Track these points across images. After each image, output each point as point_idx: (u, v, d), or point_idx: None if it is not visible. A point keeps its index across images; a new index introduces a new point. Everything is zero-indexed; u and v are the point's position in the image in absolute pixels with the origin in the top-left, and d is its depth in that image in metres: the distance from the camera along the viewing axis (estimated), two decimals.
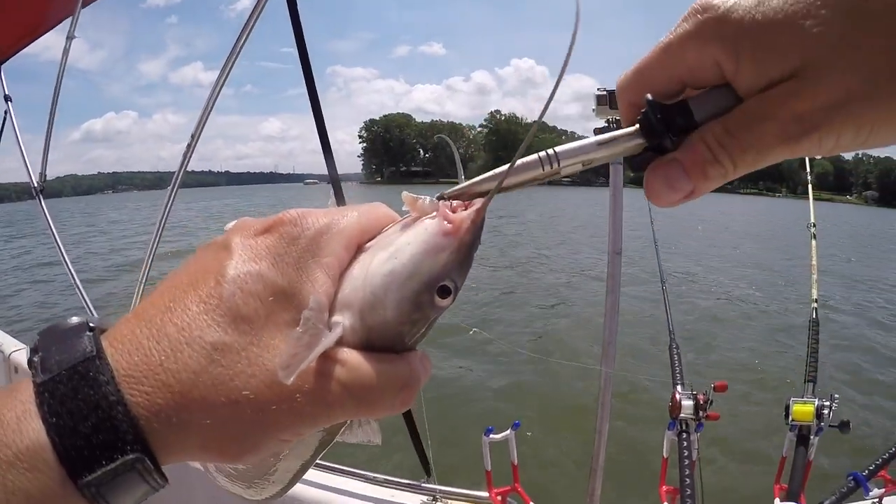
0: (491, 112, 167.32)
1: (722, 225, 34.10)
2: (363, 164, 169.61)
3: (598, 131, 1.54)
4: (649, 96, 0.38)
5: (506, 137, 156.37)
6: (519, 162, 0.41)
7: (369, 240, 0.43)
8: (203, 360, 0.34)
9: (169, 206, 2.31)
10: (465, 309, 9.96)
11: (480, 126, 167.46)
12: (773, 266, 16.59)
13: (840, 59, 0.32)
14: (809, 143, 0.34)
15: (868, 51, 0.31)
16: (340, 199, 2.05)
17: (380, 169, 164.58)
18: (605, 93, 1.45)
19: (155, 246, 2.37)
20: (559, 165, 0.40)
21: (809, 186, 2.74)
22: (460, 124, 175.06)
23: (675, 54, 0.37)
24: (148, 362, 0.34)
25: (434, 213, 0.42)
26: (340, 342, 0.38)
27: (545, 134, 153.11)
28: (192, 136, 2.20)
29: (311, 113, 2.15)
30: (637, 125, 0.39)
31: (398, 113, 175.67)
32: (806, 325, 2.18)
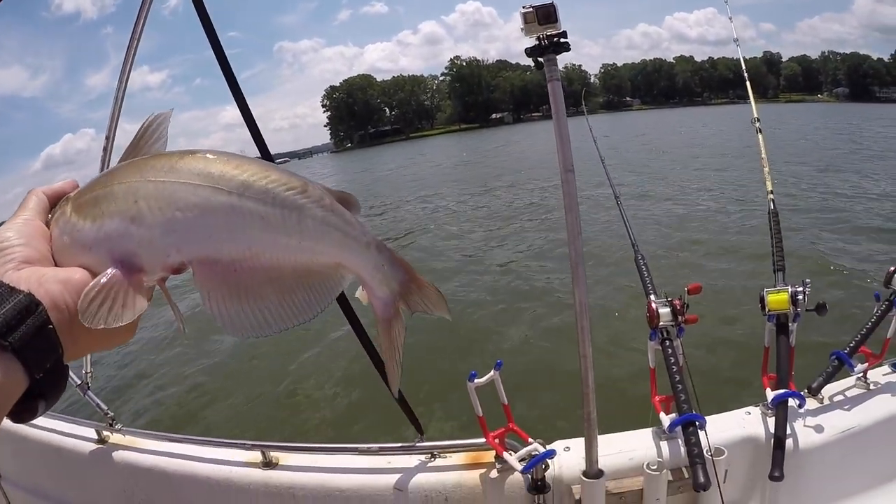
0: (451, 59, 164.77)
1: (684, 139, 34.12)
2: (331, 133, 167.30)
3: (528, 52, 1.50)
4: None
5: (470, 82, 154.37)
6: None
7: None
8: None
9: None
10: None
11: (442, 75, 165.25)
12: (727, 168, 16.87)
13: None
14: None
15: None
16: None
17: (349, 135, 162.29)
18: (531, 9, 1.39)
19: None
20: None
21: (748, 84, 2.75)
22: (422, 76, 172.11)
23: None
24: None
25: None
26: None
27: (507, 72, 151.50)
28: (107, 138, 2.05)
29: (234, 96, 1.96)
30: None
31: (358, 75, 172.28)
32: (765, 217, 2.19)
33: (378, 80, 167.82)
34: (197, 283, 0.61)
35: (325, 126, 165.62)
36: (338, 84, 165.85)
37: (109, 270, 0.59)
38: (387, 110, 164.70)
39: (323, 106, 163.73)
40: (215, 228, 0.60)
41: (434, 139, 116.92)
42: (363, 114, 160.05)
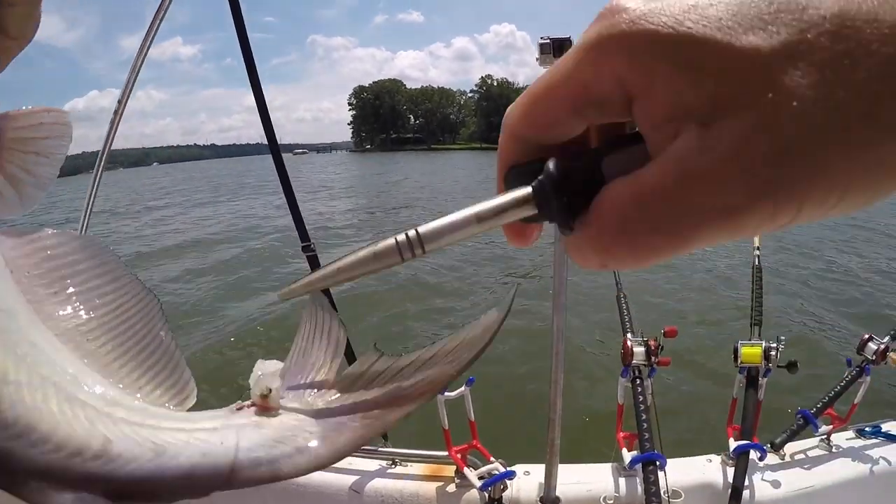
0: (482, 77, 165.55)
1: None
2: (353, 132, 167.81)
3: None
4: (551, 165, 0.28)
5: (498, 102, 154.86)
6: (365, 253, 0.32)
7: None
8: None
9: (96, 186, 1.95)
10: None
11: (471, 91, 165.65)
12: None
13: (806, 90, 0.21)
14: (760, 216, 0.23)
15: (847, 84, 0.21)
16: (282, 170, 2.03)
17: (370, 136, 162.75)
18: (548, 41, 1.43)
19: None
20: (423, 251, 0.30)
21: None
22: (451, 90, 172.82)
23: (575, 76, 0.27)
24: None
25: None
26: None
27: None
28: (115, 112, 1.99)
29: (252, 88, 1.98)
30: (531, 191, 0.29)
31: (388, 79, 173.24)
32: (748, 273, 2.21)
33: (407, 86, 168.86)
34: None
35: (349, 124, 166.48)
36: (367, 84, 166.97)
37: None
38: (411, 118, 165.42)
39: (349, 104, 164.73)
40: None
41: (456, 153, 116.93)
42: (388, 118, 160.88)
